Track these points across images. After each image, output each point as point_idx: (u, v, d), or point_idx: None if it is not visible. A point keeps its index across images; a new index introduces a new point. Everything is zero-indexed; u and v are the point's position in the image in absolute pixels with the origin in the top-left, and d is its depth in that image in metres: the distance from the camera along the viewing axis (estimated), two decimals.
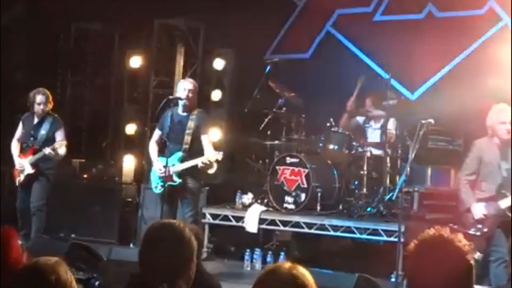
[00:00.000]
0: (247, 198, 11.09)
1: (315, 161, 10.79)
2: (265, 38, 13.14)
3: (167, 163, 8.97)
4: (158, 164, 9.21)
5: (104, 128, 13.79)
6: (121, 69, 13.61)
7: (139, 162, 12.58)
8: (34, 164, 9.99)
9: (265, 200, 10.91)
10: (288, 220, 10.49)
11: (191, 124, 9.11)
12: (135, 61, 13.20)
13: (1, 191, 12.10)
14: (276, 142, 11.15)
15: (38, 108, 10.04)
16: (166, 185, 9.00)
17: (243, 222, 10.65)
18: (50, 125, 10.07)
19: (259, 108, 11.05)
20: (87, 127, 13.57)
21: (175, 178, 9.07)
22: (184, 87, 9.27)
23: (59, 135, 10.03)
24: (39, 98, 10.02)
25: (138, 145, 12.96)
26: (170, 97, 9.44)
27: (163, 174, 9.02)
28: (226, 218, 10.87)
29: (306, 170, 10.57)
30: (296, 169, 10.67)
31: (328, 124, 10.85)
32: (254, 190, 11.24)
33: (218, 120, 12.32)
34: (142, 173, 11.69)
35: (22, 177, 10.02)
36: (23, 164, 9.99)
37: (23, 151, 10.13)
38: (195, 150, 9.09)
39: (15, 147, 10.15)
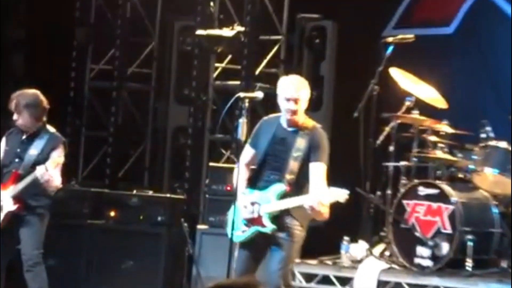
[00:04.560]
0: (359, 248, 9.60)
1: (464, 193, 9.35)
2: (382, 5, 11.27)
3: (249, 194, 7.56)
4: (244, 199, 7.66)
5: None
6: None
7: (194, 193, 11.18)
8: (17, 198, 8.37)
9: (387, 253, 9.51)
10: (423, 284, 9.05)
11: (300, 143, 7.57)
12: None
13: None
14: (403, 163, 9.64)
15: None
16: (252, 232, 7.51)
17: (352, 286, 9.25)
18: (45, 143, 8.49)
19: (376, 111, 9.42)
20: None
21: (266, 221, 7.49)
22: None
23: (56, 155, 8.38)
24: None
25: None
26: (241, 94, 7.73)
27: (250, 216, 7.54)
28: (326, 280, 9.41)
29: (450, 207, 9.07)
30: (435, 205, 9.20)
31: (483, 135, 9.20)
32: (369, 237, 9.73)
33: None
34: (199, 209, 10.57)
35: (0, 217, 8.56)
36: (1, 199, 8.55)
37: (2, 180, 8.63)
38: (303, 183, 7.53)
39: None
